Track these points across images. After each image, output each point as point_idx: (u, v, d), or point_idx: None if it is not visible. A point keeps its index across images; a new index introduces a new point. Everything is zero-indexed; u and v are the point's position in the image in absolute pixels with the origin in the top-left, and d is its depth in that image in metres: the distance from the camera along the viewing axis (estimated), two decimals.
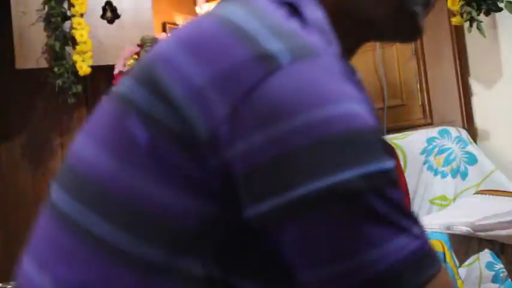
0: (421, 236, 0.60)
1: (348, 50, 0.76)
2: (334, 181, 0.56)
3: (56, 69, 3.62)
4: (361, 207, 0.57)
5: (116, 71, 3.52)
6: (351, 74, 0.62)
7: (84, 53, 3.64)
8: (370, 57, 3.32)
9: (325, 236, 0.57)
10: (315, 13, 0.68)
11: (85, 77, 3.72)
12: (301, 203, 0.56)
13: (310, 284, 0.59)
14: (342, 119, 0.57)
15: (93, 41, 3.66)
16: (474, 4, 2.74)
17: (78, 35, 3.64)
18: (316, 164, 0.56)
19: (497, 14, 2.89)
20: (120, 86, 0.67)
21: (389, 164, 0.59)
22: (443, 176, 2.88)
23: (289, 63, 0.58)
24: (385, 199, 0.58)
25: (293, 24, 0.64)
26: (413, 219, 0.60)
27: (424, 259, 0.59)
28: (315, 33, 0.65)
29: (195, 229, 0.60)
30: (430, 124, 3.15)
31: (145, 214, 0.61)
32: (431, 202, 2.87)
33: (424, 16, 0.78)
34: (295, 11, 0.67)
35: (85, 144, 0.68)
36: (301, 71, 0.58)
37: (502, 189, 2.58)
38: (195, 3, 4.35)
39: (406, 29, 0.77)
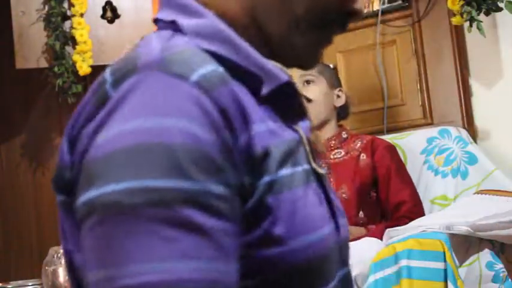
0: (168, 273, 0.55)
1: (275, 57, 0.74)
2: (101, 192, 0.58)
3: (56, 69, 3.62)
4: (120, 220, 0.57)
5: None
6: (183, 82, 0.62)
7: (84, 52, 3.64)
8: (370, 57, 3.32)
9: (93, 243, 0.59)
10: (197, 21, 0.70)
11: (85, 76, 3.72)
12: (81, 208, 0.61)
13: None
14: (127, 134, 0.59)
15: (93, 41, 3.66)
16: (474, 4, 2.74)
17: (78, 34, 3.64)
18: (98, 174, 0.59)
19: (497, 14, 2.88)
20: None
21: (165, 182, 0.57)
22: (444, 175, 2.88)
23: (111, 92, 0.63)
24: (146, 217, 0.56)
25: (145, 50, 0.67)
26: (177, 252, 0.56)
27: None
28: (176, 44, 0.67)
29: None
30: (430, 124, 3.14)
31: None
32: (432, 202, 2.87)
33: (324, 40, 0.75)
34: (177, 28, 0.71)
35: None
36: (117, 97, 0.62)
37: (502, 189, 2.57)
38: None
39: (300, 52, 0.74)
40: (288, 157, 0.68)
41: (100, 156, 0.59)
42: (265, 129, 0.66)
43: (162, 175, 0.57)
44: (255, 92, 0.68)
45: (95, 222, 0.58)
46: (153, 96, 0.60)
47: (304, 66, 0.77)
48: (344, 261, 0.77)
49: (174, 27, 0.71)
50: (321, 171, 0.76)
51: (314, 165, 0.74)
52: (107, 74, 0.66)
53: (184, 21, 0.70)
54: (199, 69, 0.62)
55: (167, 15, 0.73)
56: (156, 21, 0.76)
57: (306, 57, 0.75)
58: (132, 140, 0.58)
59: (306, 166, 0.72)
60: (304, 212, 0.67)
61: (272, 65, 0.71)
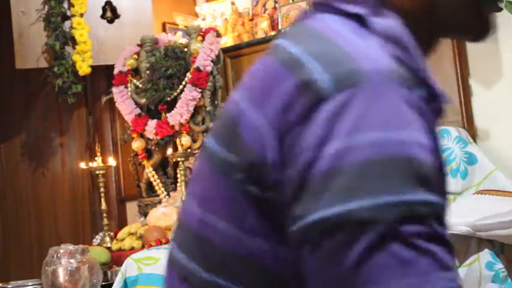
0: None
1: (425, 50, 0.75)
2: (347, 208, 0.57)
3: (55, 69, 3.62)
4: (370, 239, 0.56)
5: (115, 71, 3.53)
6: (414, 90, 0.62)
7: (84, 52, 3.64)
8: None
9: (335, 259, 0.57)
10: (385, 22, 0.67)
11: (85, 76, 3.72)
12: (320, 225, 0.58)
13: None
14: (367, 146, 0.58)
15: (93, 41, 3.66)
16: None
17: (78, 34, 3.64)
18: (342, 189, 0.57)
19: (498, 14, 2.88)
20: (206, 142, 0.73)
21: (419, 196, 0.57)
22: None
23: (333, 93, 0.60)
24: (403, 235, 0.56)
25: (350, 46, 0.63)
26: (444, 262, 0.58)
27: None
28: (380, 46, 0.64)
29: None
30: None
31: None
32: None
33: (494, 10, 0.75)
34: (362, 23, 0.67)
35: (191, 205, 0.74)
36: (344, 101, 0.59)
37: (502, 189, 2.57)
38: (195, 3, 4.35)
39: (476, 24, 0.76)
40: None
41: (345, 168, 0.57)
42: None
43: (416, 189, 0.57)
44: None
45: (346, 242, 0.56)
46: (391, 108, 0.60)
47: (479, 39, 0.79)
48: None
49: (356, 18, 0.68)
50: None
51: None
52: (311, 65, 0.62)
53: (373, 19, 0.67)
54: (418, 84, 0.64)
55: (341, 3, 0.69)
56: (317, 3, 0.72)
57: (481, 30, 0.79)
58: (377, 152, 0.57)
59: None
60: None
61: (437, 83, 0.71)
